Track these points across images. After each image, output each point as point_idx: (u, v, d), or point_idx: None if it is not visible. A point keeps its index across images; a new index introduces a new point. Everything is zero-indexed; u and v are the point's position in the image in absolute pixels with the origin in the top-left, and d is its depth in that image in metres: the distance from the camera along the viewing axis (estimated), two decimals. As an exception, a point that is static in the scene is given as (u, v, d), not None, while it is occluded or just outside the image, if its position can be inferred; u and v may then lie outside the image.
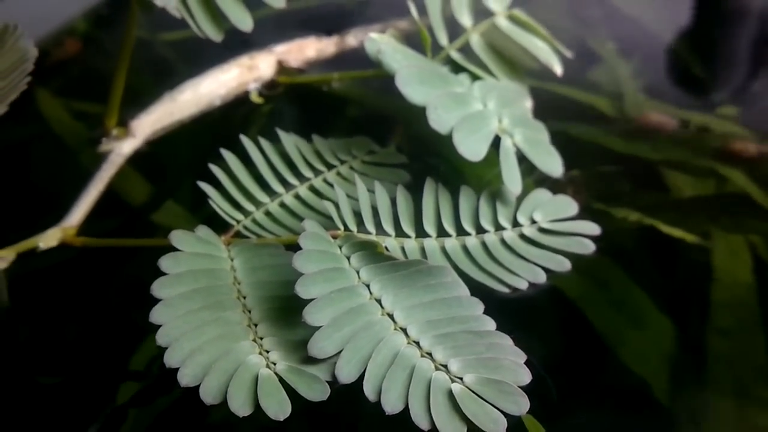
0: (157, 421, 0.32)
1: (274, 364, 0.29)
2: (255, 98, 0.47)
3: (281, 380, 0.28)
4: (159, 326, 0.30)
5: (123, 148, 0.42)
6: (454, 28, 0.43)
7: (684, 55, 0.56)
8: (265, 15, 0.56)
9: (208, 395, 0.28)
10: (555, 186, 0.40)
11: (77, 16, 0.56)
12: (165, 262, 0.32)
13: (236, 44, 0.50)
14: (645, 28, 0.58)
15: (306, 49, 0.50)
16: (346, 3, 0.59)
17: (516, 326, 0.33)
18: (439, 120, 0.37)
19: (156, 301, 0.31)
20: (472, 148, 0.37)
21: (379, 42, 0.40)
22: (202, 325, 0.30)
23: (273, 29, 0.53)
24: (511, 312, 0.34)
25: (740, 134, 0.46)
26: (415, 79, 0.38)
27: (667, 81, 0.53)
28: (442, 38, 0.43)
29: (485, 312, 0.32)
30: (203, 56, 0.49)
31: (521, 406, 0.28)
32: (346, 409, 0.31)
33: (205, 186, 0.37)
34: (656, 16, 0.59)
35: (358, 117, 0.47)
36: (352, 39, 0.52)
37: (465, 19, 0.43)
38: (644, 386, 0.33)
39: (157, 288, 0.31)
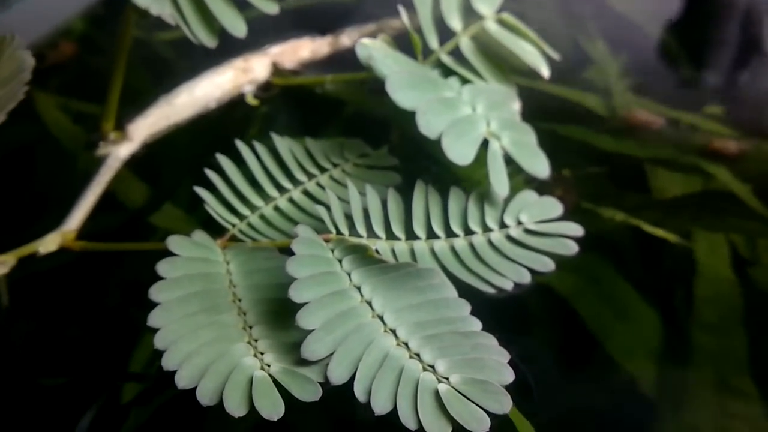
0: (154, 418, 0.33)
1: (269, 365, 0.30)
2: (250, 100, 0.48)
3: (275, 381, 0.30)
4: (157, 329, 0.31)
5: (120, 152, 0.43)
6: (445, 29, 0.44)
7: (673, 53, 0.56)
8: (260, 14, 0.56)
9: (205, 397, 0.29)
10: (545, 186, 0.41)
11: (73, 17, 0.57)
12: (162, 267, 0.33)
13: (233, 43, 0.51)
14: (635, 25, 0.59)
15: (300, 50, 0.51)
16: (341, 1, 0.59)
17: (510, 321, 0.35)
18: (428, 125, 0.38)
19: (154, 304, 0.32)
20: (460, 152, 0.38)
21: (371, 47, 0.40)
22: (199, 328, 0.31)
23: (268, 29, 0.54)
24: (508, 305, 0.36)
25: (725, 133, 0.47)
26: (405, 85, 0.39)
27: (656, 79, 0.54)
28: (433, 42, 0.43)
29: (475, 312, 0.33)
30: (201, 55, 0.50)
31: (504, 404, 0.29)
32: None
33: (201, 191, 0.38)
34: (647, 13, 0.60)
35: (351, 118, 0.48)
36: (346, 39, 0.53)
37: (455, 22, 0.44)
38: (630, 378, 0.34)
39: (155, 292, 0.32)
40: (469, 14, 0.45)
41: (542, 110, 0.46)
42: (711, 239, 0.40)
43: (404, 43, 0.43)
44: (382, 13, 0.55)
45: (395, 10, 0.43)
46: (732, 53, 0.56)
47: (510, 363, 0.30)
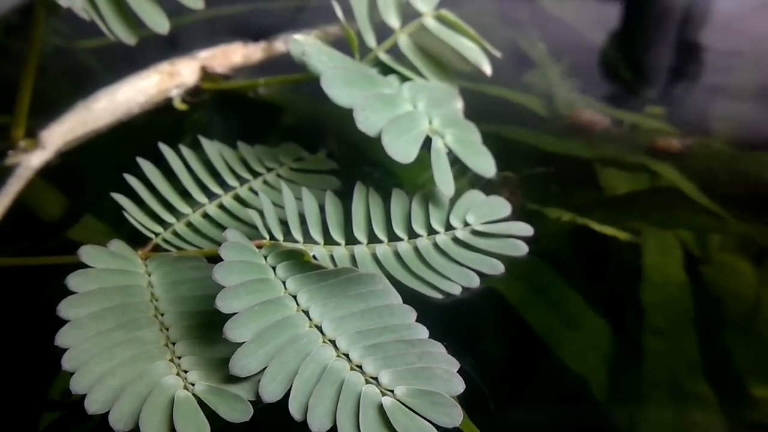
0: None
1: (193, 384, 0.27)
2: (178, 104, 0.45)
3: (200, 402, 0.27)
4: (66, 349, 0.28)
5: (31, 161, 0.39)
6: (384, 32, 0.42)
7: (612, 57, 0.56)
8: (195, 21, 0.53)
9: (119, 422, 0.26)
10: (490, 188, 0.39)
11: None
12: (73, 280, 0.30)
13: (167, 50, 0.48)
14: (574, 30, 0.58)
15: (231, 55, 0.49)
16: (278, 9, 0.57)
17: (460, 327, 0.33)
18: (367, 122, 0.35)
19: (64, 322, 0.29)
20: (402, 149, 0.35)
21: (304, 44, 0.38)
22: (114, 347, 0.28)
23: (204, 36, 0.51)
24: (451, 316, 0.33)
25: (667, 131, 0.46)
26: (341, 81, 0.37)
27: (596, 82, 0.53)
28: (370, 40, 0.41)
29: (420, 320, 0.30)
30: (126, 64, 0.47)
31: (454, 417, 0.26)
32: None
33: (119, 197, 0.35)
34: (585, 19, 0.59)
35: (289, 125, 0.46)
36: (280, 44, 0.51)
37: (392, 20, 0.42)
38: (583, 385, 0.32)
39: (65, 308, 0.29)
40: (408, 13, 0.43)
41: (485, 112, 0.44)
42: (661, 238, 0.39)
43: (341, 49, 0.41)
44: (320, 21, 0.53)
45: (333, 18, 0.41)
46: (670, 58, 0.56)
47: (460, 372, 0.28)
